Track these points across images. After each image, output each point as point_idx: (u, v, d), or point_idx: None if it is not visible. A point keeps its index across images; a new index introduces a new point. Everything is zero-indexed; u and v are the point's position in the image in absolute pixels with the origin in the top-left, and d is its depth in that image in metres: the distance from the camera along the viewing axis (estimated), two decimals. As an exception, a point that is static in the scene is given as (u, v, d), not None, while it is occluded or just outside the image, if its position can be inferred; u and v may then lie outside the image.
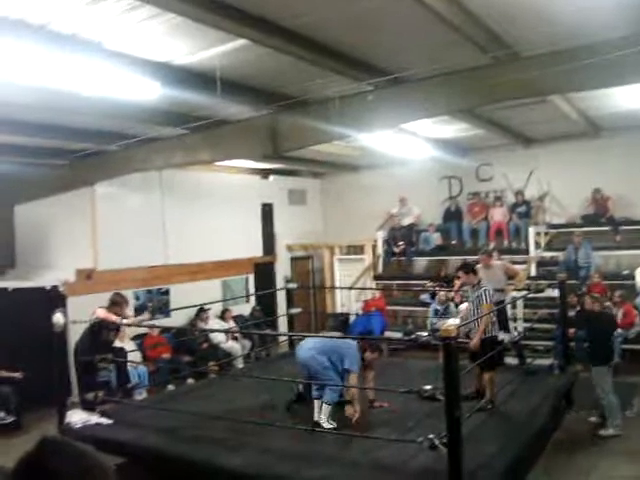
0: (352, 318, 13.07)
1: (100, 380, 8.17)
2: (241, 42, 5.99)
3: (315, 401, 6.92)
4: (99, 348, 8.03)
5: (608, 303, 10.49)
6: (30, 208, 11.80)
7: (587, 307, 8.13)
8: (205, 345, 11.88)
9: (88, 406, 7.64)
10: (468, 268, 8.07)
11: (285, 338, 12.31)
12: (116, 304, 8.12)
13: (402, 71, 7.25)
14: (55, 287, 10.48)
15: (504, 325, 9.45)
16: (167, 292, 12.45)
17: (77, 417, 7.34)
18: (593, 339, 7.87)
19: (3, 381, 9.25)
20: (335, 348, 6.97)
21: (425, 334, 5.97)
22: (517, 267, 10.66)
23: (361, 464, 5.70)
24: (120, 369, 9.56)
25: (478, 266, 9.91)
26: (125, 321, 8.30)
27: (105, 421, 7.34)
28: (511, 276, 9.72)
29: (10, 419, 9.05)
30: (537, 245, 12.99)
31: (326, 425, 6.66)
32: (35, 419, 8.91)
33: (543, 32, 6.18)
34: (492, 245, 12.99)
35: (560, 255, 12.49)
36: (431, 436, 5.07)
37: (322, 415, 6.74)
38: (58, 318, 7.56)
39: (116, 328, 8.30)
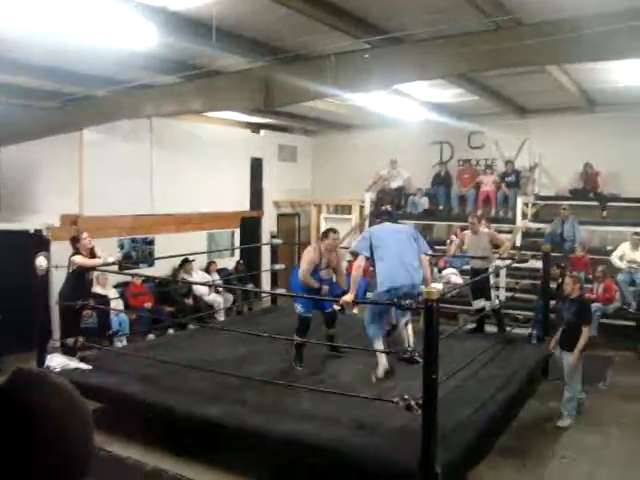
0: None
1: (82, 326, 8.19)
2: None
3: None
4: (81, 294, 8.04)
5: (582, 275, 10.59)
6: (16, 150, 11.63)
7: (567, 289, 7.69)
8: (188, 297, 11.89)
9: (68, 351, 7.67)
10: None
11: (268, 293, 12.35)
12: (77, 240, 8.07)
13: (401, 31, 7.15)
14: (39, 231, 10.42)
15: (486, 293, 9.55)
16: (152, 242, 12.42)
17: (56, 361, 7.36)
18: (569, 325, 7.69)
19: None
20: None
21: (408, 300, 5.96)
22: (503, 236, 10.70)
23: (337, 421, 5.77)
24: (102, 316, 9.60)
25: (466, 232, 9.98)
26: (96, 261, 8.24)
27: (84, 366, 7.37)
28: (496, 245, 9.77)
29: (-10, 360, 9.06)
30: (524, 215, 13.03)
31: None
32: (15, 362, 8.92)
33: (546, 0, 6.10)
34: (480, 212, 13.03)
35: (546, 227, 12.54)
36: (407, 396, 5.13)
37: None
38: (41, 262, 7.53)
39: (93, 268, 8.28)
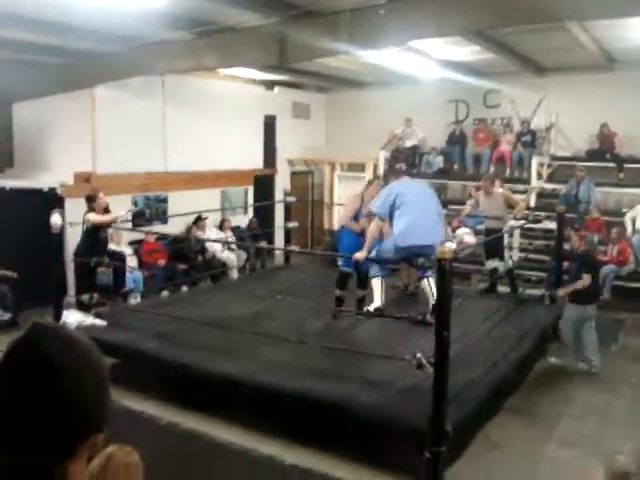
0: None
1: (97, 283, 8.26)
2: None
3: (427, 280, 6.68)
4: (96, 251, 8.11)
5: (596, 237, 10.58)
6: (29, 107, 11.61)
7: (574, 245, 8.19)
8: (201, 254, 11.95)
9: (83, 307, 7.75)
10: None
11: (281, 251, 12.39)
12: (94, 198, 8.15)
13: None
14: (53, 189, 10.46)
15: (499, 254, 9.52)
16: (165, 199, 12.44)
17: (72, 317, 7.45)
18: (575, 279, 7.91)
19: (1, 280, 9.34)
20: None
21: (421, 258, 5.97)
22: (517, 197, 10.63)
23: (348, 378, 5.82)
24: (116, 273, 9.67)
25: (479, 192, 9.92)
26: (111, 218, 8.33)
27: (100, 322, 7.46)
28: (510, 205, 9.71)
29: (7, 316, 9.19)
30: (539, 176, 12.92)
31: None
32: (32, 317, 9.00)
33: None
34: (492, 170, 12.95)
35: (561, 188, 12.44)
36: (419, 354, 5.16)
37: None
38: (56, 219, 7.56)
39: (108, 225, 8.36)
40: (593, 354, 7.74)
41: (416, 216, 6.58)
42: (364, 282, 7.67)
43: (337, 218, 7.77)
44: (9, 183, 10.36)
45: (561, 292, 8.06)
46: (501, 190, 9.87)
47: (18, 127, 11.94)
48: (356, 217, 7.63)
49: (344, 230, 7.81)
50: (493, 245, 9.28)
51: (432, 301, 6.51)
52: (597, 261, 8.75)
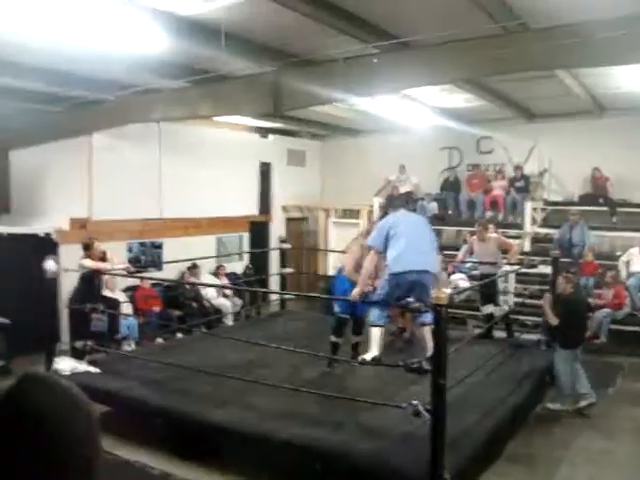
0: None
1: (91, 329, 8.22)
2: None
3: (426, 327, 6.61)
4: (91, 297, 8.08)
5: (591, 281, 10.62)
6: (26, 154, 11.69)
7: (560, 288, 8.14)
8: (196, 301, 11.91)
9: (77, 354, 7.69)
10: None
11: (276, 297, 12.36)
12: (90, 247, 8.17)
13: (409, 35, 7.16)
14: (48, 234, 10.46)
15: (494, 299, 9.52)
16: (160, 246, 12.45)
17: (65, 364, 7.37)
18: (563, 322, 7.86)
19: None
20: None
21: (411, 299, 5.96)
22: (511, 241, 10.67)
23: (345, 426, 5.76)
24: (111, 319, 9.62)
25: (473, 238, 9.97)
26: (107, 266, 8.33)
27: (93, 370, 7.38)
28: (505, 250, 9.75)
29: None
30: (533, 221, 13.00)
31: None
32: (24, 364, 8.94)
33: (554, 4, 6.09)
34: (487, 215, 13.02)
35: (555, 232, 12.50)
36: (415, 402, 5.11)
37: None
38: (50, 265, 7.57)
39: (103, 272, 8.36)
40: (586, 387, 7.71)
41: (408, 243, 6.54)
42: (359, 328, 7.63)
43: (343, 266, 7.68)
44: (5, 229, 10.37)
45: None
46: (495, 235, 9.92)
47: (15, 174, 12.00)
48: (359, 266, 7.56)
49: (340, 276, 7.79)
50: (488, 290, 9.28)
51: (429, 350, 6.47)
52: (583, 304, 8.71)
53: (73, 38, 6.61)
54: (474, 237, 9.98)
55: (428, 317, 6.38)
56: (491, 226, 10.12)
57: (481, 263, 9.90)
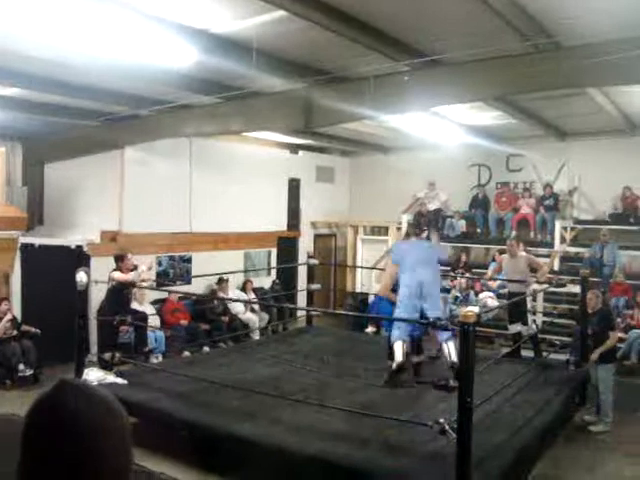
0: (371, 298, 13.07)
1: (119, 341, 8.29)
2: (280, 14, 5.95)
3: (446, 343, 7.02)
4: (119, 309, 8.17)
5: (622, 301, 10.49)
6: (60, 167, 11.92)
7: (589, 304, 8.16)
8: (223, 315, 11.97)
9: (105, 365, 7.76)
10: None
11: (303, 313, 12.36)
12: (122, 259, 8.27)
13: (440, 53, 7.17)
14: (80, 247, 10.61)
15: (522, 318, 9.42)
16: (189, 260, 12.55)
17: (93, 375, 7.45)
18: (595, 337, 7.90)
19: (25, 335, 9.42)
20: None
21: (443, 319, 5.95)
22: (541, 260, 10.58)
23: (370, 442, 5.73)
24: (139, 332, 9.71)
25: (503, 255, 9.91)
26: (133, 275, 8.41)
27: (120, 381, 7.45)
28: (534, 269, 9.67)
29: (29, 372, 9.22)
30: (562, 239, 12.88)
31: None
32: (52, 374, 9.05)
33: (587, 22, 6.07)
34: (514, 234, 12.93)
35: (585, 251, 12.36)
36: (441, 420, 5.08)
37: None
38: (81, 277, 7.65)
39: (132, 284, 8.43)
40: (611, 410, 7.63)
41: (408, 266, 7.28)
42: (415, 346, 7.81)
43: (379, 287, 7.87)
44: (38, 240, 10.55)
45: (594, 356, 7.92)
46: (525, 254, 9.85)
47: (49, 186, 12.22)
48: (394, 288, 7.68)
49: (381, 299, 7.84)
50: (516, 309, 9.20)
51: (450, 364, 6.73)
52: (613, 317, 8.71)
53: (108, 54, 6.74)
54: (504, 255, 9.94)
55: (444, 334, 6.86)
56: (521, 245, 10.05)
57: (510, 281, 9.83)
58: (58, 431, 1.17)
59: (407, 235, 8.42)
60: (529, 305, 10.07)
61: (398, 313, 7.18)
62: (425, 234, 9.02)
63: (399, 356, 7.12)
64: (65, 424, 1.17)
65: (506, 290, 10.49)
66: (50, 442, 1.17)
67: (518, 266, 9.51)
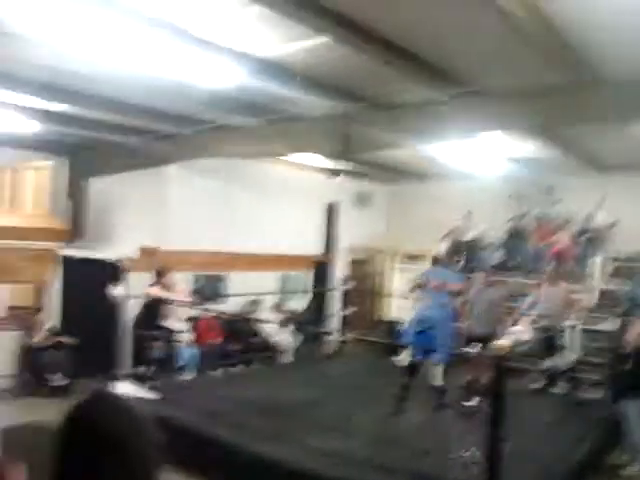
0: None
1: (153, 356, 8.39)
2: (324, 39, 6.04)
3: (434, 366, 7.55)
4: (154, 325, 8.27)
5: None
6: (103, 182, 12.17)
7: (632, 337, 7.82)
8: (256, 335, 12.02)
9: (138, 379, 7.86)
10: None
11: (335, 338, 12.35)
12: (162, 274, 8.36)
13: (481, 84, 7.19)
14: (119, 261, 10.79)
15: (557, 352, 9.29)
16: (225, 279, 12.65)
17: (126, 389, 7.55)
18: (632, 371, 7.67)
19: (61, 345, 9.59)
20: None
21: (475, 349, 5.92)
22: (576, 299, 10.46)
23: (399, 471, 5.70)
24: (172, 348, 9.81)
25: (543, 285, 9.88)
26: (174, 297, 8.52)
27: (153, 396, 7.53)
28: (569, 304, 9.58)
29: (64, 382, 9.37)
30: (602, 274, 12.68)
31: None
32: (86, 385, 9.18)
33: (629, 56, 6.05)
34: (553, 266, 12.77)
35: (625, 287, 12.14)
36: (469, 452, 5.04)
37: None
38: (118, 291, 7.80)
39: (168, 301, 8.54)
40: None
41: (426, 294, 7.92)
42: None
43: None
44: (77, 253, 10.77)
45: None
46: (565, 286, 9.79)
47: (92, 201, 12.48)
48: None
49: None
50: (552, 343, 9.09)
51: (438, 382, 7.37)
52: None
53: (155, 74, 6.91)
54: (544, 284, 9.91)
55: (437, 356, 7.40)
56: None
57: (545, 316, 9.70)
58: (90, 440, 1.21)
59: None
60: (566, 340, 9.86)
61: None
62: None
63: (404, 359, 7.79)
64: (97, 434, 1.21)
65: (541, 324, 10.35)
66: (82, 451, 1.21)
67: (558, 296, 9.43)
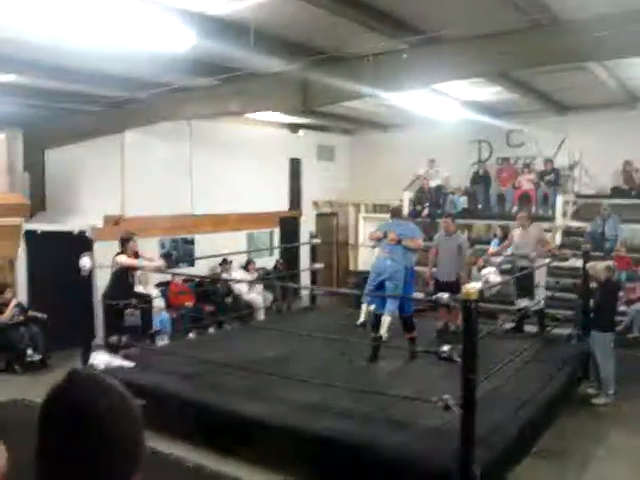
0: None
1: (125, 325, 8.36)
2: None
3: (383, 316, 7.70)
4: (124, 293, 8.21)
5: (624, 274, 10.54)
6: (60, 153, 11.91)
7: (601, 275, 8.08)
8: (227, 296, 12.03)
9: (111, 349, 7.84)
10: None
11: (307, 292, 12.42)
12: (128, 241, 8.26)
13: (438, 31, 7.13)
14: (83, 232, 10.64)
15: (530, 292, 9.47)
16: (192, 241, 12.58)
17: (100, 359, 7.54)
18: (599, 305, 8.00)
19: (32, 320, 9.49)
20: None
21: (446, 295, 5.98)
22: (549, 239, 10.67)
23: (374, 420, 5.81)
24: (144, 315, 9.78)
25: (514, 229, 10.03)
26: (143, 263, 8.46)
27: (127, 364, 7.53)
28: (543, 244, 9.77)
29: (37, 357, 9.31)
30: (564, 214, 12.88)
31: (385, 336, 7.65)
32: (60, 359, 9.14)
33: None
34: (515, 209, 12.96)
35: (587, 226, 12.37)
36: (446, 396, 5.14)
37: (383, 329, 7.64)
38: (85, 262, 7.71)
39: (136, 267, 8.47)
40: (610, 385, 7.70)
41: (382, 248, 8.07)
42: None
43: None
44: (41, 227, 10.59)
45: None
46: (537, 228, 9.95)
47: (50, 172, 12.23)
48: None
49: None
50: (525, 283, 9.27)
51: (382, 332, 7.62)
52: (618, 286, 8.73)
53: (105, 39, 6.73)
54: (515, 229, 10.08)
55: (388, 307, 7.71)
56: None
57: (518, 256, 9.89)
58: (72, 421, 1.21)
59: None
60: (536, 280, 10.05)
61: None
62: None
63: (362, 318, 7.90)
64: (78, 413, 1.22)
65: (509, 266, 10.52)
66: (65, 431, 1.21)
67: (530, 238, 9.59)
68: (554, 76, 9.66)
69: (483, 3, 6.31)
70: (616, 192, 12.60)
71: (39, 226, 10.62)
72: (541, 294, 9.73)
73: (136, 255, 8.35)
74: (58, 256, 9.83)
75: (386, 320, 7.63)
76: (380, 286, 7.82)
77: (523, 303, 9.43)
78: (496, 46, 7.27)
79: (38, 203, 11.94)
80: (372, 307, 7.84)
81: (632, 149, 12.20)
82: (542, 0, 6.26)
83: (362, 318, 7.90)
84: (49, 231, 10.47)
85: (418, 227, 9.02)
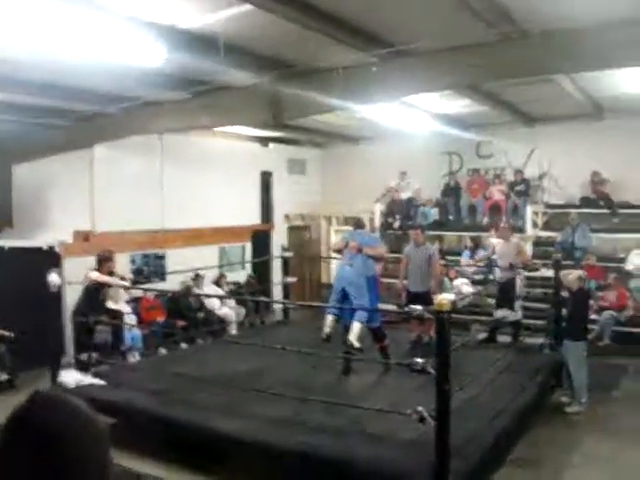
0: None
1: (95, 342, 8.24)
2: (246, 7, 5.91)
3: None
4: (95, 309, 8.10)
5: (593, 283, 10.65)
6: (28, 168, 11.75)
7: (574, 285, 8.12)
8: (199, 311, 11.92)
9: (82, 366, 7.71)
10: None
11: (280, 306, 12.36)
12: (106, 260, 8.18)
13: (408, 44, 7.18)
14: (52, 247, 10.48)
15: (510, 303, 9.53)
16: (163, 257, 12.47)
17: (70, 377, 7.39)
18: (571, 314, 8.06)
19: (-1, 340, 9.30)
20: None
21: (418, 307, 5.98)
22: (527, 251, 10.78)
23: (348, 433, 5.77)
24: (115, 331, 9.64)
25: (497, 240, 10.11)
26: (112, 280, 8.37)
27: (98, 382, 7.40)
28: (521, 255, 9.89)
29: (4, 377, 9.10)
30: (534, 224, 13.01)
31: (357, 344, 7.45)
32: (29, 378, 8.94)
33: (551, 10, 6.12)
34: (486, 220, 13.08)
35: (557, 235, 12.50)
36: (420, 408, 5.12)
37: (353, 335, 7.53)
38: (53, 278, 7.58)
39: (107, 284, 8.37)
40: (583, 393, 7.75)
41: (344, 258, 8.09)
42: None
43: None
44: (8, 243, 10.40)
45: None
46: (517, 240, 10.06)
47: (17, 187, 12.06)
48: None
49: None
50: (505, 295, 9.35)
51: (351, 339, 7.48)
52: (588, 296, 8.80)
53: (74, 53, 6.65)
54: (496, 239, 10.18)
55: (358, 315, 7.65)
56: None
57: (500, 267, 10.00)
58: (36, 443, 1.17)
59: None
60: (517, 291, 10.11)
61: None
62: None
63: (326, 330, 7.81)
64: (43, 436, 1.17)
65: (481, 276, 10.60)
66: (28, 455, 1.17)
67: (511, 250, 9.69)
68: (522, 88, 9.79)
69: (453, 16, 6.36)
70: (585, 202, 12.77)
71: (5, 242, 10.43)
72: (518, 305, 9.81)
73: (110, 274, 8.26)
74: (26, 272, 9.64)
75: (355, 326, 7.58)
76: (345, 297, 7.79)
77: (502, 314, 9.50)
78: (465, 59, 7.33)
79: (5, 219, 11.75)
80: (330, 317, 7.83)
81: (599, 160, 12.37)
82: (511, 14, 6.34)
83: (327, 330, 7.81)
84: (16, 247, 10.29)
85: (382, 238, 9.13)
